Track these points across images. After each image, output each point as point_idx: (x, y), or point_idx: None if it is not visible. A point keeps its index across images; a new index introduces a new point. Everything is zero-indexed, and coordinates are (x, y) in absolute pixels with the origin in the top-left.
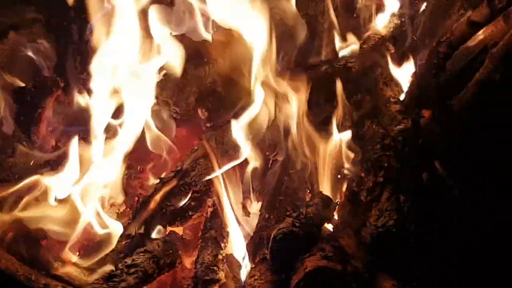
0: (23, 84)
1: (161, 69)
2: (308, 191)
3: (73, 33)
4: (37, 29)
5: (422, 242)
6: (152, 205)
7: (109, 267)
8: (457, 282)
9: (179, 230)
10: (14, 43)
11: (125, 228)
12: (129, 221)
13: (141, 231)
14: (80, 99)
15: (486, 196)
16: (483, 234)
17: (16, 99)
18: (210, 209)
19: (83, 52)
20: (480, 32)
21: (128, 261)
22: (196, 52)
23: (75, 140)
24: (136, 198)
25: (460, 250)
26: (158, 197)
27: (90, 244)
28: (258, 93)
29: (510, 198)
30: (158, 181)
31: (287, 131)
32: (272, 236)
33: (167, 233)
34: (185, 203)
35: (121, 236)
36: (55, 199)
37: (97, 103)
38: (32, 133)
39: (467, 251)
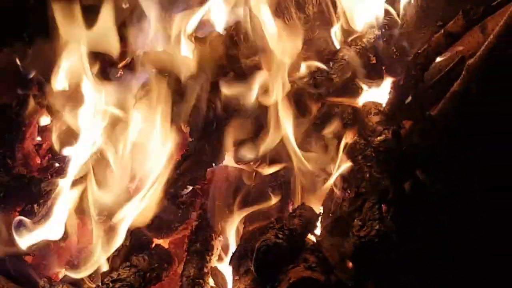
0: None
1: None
2: (291, 202)
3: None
4: (21, 46)
5: (406, 250)
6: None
7: (95, 282)
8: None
9: (164, 243)
10: None
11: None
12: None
13: (127, 243)
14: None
15: (470, 201)
16: (471, 237)
17: (0, 117)
18: (195, 223)
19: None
20: (457, 43)
21: (114, 275)
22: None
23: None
24: None
25: (449, 253)
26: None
27: (77, 259)
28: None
29: (495, 201)
30: None
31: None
32: (256, 248)
33: (152, 246)
34: (170, 215)
35: None
36: None
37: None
38: (17, 151)
39: (456, 254)
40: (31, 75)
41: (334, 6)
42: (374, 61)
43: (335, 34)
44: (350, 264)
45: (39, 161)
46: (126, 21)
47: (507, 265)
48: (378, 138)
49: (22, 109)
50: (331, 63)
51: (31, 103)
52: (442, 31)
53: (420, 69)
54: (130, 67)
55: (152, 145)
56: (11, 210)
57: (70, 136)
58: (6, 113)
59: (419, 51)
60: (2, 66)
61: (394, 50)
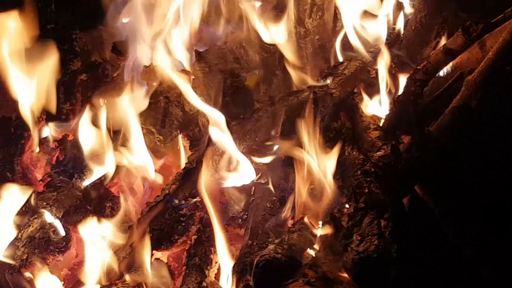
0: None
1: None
2: (290, 217)
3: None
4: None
5: (405, 265)
6: (139, 229)
7: None
8: None
9: (163, 257)
10: None
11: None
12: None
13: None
14: None
15: (468, 217)
16: (470, 253)
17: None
18: (194, 237)
19: (66, 83)
20: (456, 59)
21: None
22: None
23: None
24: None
25: (448, 269)
26: (144, 221)
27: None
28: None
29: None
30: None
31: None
32: (255, 262)
33: (152, 260)
34: (171, 227)
35: None
36: None
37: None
38: (16, 164)
39: (455, 270)
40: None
41: (335, 20)
42: (374, 76)
43: (335, 48)
44: (349, 280)
45: (38, 175)
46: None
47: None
48: (377, 153)
49: (21, 122)
50: (331, 77)
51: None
52: (442, 47)
53: (419, 85)
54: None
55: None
56: None
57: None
58: (6, 126)
59: (418, 67)
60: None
61: (393, 65)
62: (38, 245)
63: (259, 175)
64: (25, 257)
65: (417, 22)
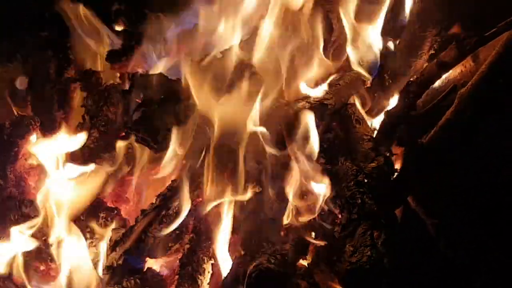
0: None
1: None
2: (283, 227)
3: (50, 71)
4: (14, 66)
5: (397, 277)
6: (133, 236)
7: None
8: None
9: (156, 266)
10: None
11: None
12: (109, 253)
13: (120, 262)
14: None
15: (460, 229)
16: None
17: None
18: (187, 245)
19: (60, 91)
20: (450, 72)
21: None
22: (170, 90)
23: None
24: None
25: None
26: (138, 228)
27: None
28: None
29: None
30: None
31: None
32: (248, 272)
33: (144, 270)
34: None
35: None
36: None
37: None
38: (9, 171)
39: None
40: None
41: (330, 30)
42: (368, 85)
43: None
44: None
45: (31, 183)
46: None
47: None
48: (370, 164)
49: (15, 129)
50: (326, 87)
51: (23, 123)
52: (435, 60)
53: (413, 97)
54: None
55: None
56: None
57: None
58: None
59: (412, 79)
60: None
61: (387, 77)
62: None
63: (253, 184)
64: None
65: (410, 34)
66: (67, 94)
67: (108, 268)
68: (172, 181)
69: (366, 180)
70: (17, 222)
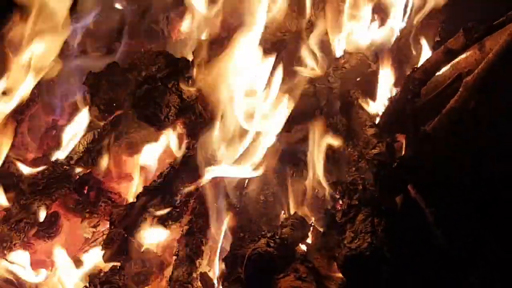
0: None
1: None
2: (283, 211)
3: None
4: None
5: (397, 264)
6: (133, 213)
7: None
8: None
9: (153, 247)
10: None
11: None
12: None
13: (119, 238)
14: None
15: (460, 219)
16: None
17: None
18: (186, 227)
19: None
20: (455, 60)
21: (102, 278)
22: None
23: None
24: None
25: (439, 270)
26: (139, 205)
27: None
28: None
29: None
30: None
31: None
32: (246, 256)
33: (142, 250)
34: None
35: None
36: None
37: None
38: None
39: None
40: None
41: (338, 13)
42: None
43: (337, 41)
44: (341, 275)
45: (29, 158)
46: None
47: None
48: (372, 151)
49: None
50: (331, 70)
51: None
52: (442, 47)
53: (417, 84)
54: None
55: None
56: None
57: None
58: None
59: (417, 66)
60: None
61: (392, 63)
62: (23, 229)
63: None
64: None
65: (417, 20)
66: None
67: (107, 244)
68: (174, 160)
69: (367, 167)
70: None
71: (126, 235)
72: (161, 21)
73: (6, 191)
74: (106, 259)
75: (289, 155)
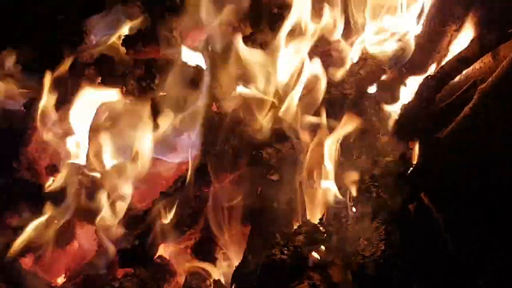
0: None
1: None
2: (296, 218)
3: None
4: (27, 48)
5: (410, 272)
6: (148, 219)
7: None
8: None
9: (166, 254)
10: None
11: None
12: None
13: (136, 243)
14: None
15: (467, 227)
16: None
17: (6, 119)
18: (199, 234)
19: (74, 74)
20: (470, 68)
21: (116, 284)
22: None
23: None
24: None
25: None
26: (155, 211)
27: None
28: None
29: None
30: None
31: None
32: (260, 263)
33: (156, 257)
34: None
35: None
36: None
37: None
38: (21, 154)
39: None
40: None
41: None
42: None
43: (352, 46)
44: (355, 283)
45: (43, 166)
46: None
47: None
48: (386, 158)
49: (28, 112)
50: (346, 77)
51: (37, 106)
52: (456, 55)
53: (432, 91)
54: None
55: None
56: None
57: None
58: (12, 115)
59: (431, 74)
60: (9, 68)
61: (405, 71)
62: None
63: (271, 171)
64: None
65: (430, 28)
66: (81, 79)
67: (122, 251)
68: (191, 166)
69: (381, 174)
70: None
71: (140, 241)
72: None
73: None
74: (121, 265)
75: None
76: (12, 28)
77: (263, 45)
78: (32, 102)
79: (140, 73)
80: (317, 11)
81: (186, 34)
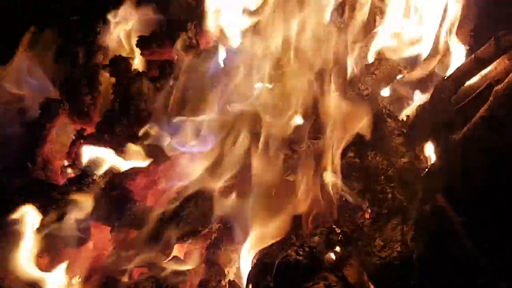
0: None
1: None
2: (311, 219)
3: (80, 56)
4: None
5: (426, 274)
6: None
7: None
8: None
9: (181, 254)
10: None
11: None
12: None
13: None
14: None
15: (486, 228)
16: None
17: (22, 119)
18: (214, 235)
19: (89, 75)
20: (485, 69)
21: (132, 283)
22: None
23: None
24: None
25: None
26: (171, 210)
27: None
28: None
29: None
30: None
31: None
32: (276, 264)
33: (170, 258)
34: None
35: None
36: None
37: None
38: (37, 154)
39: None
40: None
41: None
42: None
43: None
44: (370, 284)
45: (58, 166)
46: None
47: None
48: (401, 159)
49: (44, 113)
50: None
51: (52, 107)
52: (472, 56)
53: (447, 92)
54: None
55: None
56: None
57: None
58: (28, 116)
59: (447, 75)
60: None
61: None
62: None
63: (289, 171)
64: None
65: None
66: (95, 79)
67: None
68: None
69: (396, 175)
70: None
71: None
72: (189, 30)
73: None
74: (136, 264)
75: (317, 163)
76: (26, 27)
77: None
78: (48, 103)
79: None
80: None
81: (201, 35)
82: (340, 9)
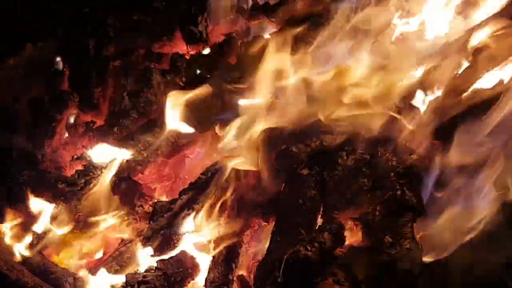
0: (39, 96)
1: None
2: (321, 215)
3: (90, 48)
4: (54, 43)
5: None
6: (174, 209)
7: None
8: None
9: (189, 248)
10: (31, 55)
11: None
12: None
13: (158, 235)
14: None
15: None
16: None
17: (32, 111)
18: (222, 229)
19: (99, 67)
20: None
21: (139, 277)
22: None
23: None
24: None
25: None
26: (183, 202)
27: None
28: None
29: None
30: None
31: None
32: (284, 259)
33: (179, 252)
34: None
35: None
36: None
37: None
38: (46, 146)
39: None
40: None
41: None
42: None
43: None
44: (379, 280)
45: (67, 158)
46: None
47: None
48: (411, 156)
49: (53, 104)
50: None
51: (62, 98)
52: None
53: (458, 91)
54: None
55: None
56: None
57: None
58: (37, 107)
59: (457, 73)
60: (35, 60)
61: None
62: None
63: (302, 165)
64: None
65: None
66: (105, 71)
67: (147, 239)
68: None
69: (407, 172)
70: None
71: (166, 232)
72: (200, 23)
73: (43, 191)
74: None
75: (327, 159)
76: (36, 22)
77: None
78: (58, 94)
79: (165, 67)
80: None
81: (212, 28)
82: None
